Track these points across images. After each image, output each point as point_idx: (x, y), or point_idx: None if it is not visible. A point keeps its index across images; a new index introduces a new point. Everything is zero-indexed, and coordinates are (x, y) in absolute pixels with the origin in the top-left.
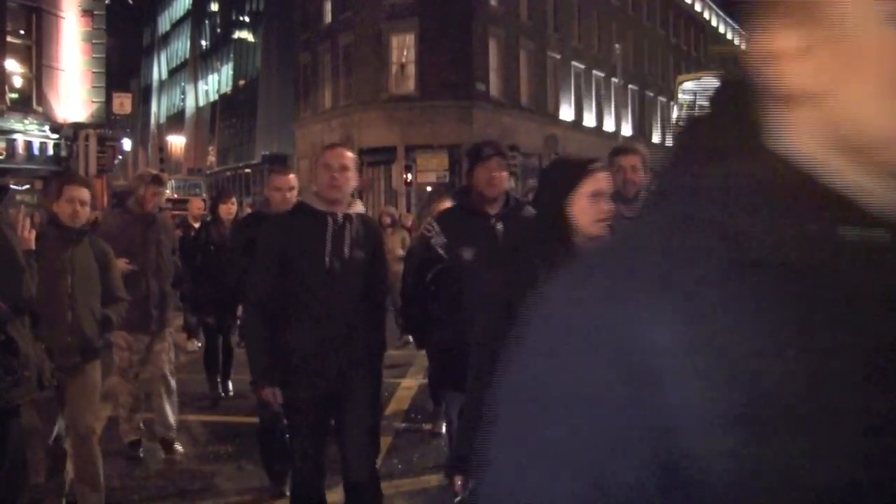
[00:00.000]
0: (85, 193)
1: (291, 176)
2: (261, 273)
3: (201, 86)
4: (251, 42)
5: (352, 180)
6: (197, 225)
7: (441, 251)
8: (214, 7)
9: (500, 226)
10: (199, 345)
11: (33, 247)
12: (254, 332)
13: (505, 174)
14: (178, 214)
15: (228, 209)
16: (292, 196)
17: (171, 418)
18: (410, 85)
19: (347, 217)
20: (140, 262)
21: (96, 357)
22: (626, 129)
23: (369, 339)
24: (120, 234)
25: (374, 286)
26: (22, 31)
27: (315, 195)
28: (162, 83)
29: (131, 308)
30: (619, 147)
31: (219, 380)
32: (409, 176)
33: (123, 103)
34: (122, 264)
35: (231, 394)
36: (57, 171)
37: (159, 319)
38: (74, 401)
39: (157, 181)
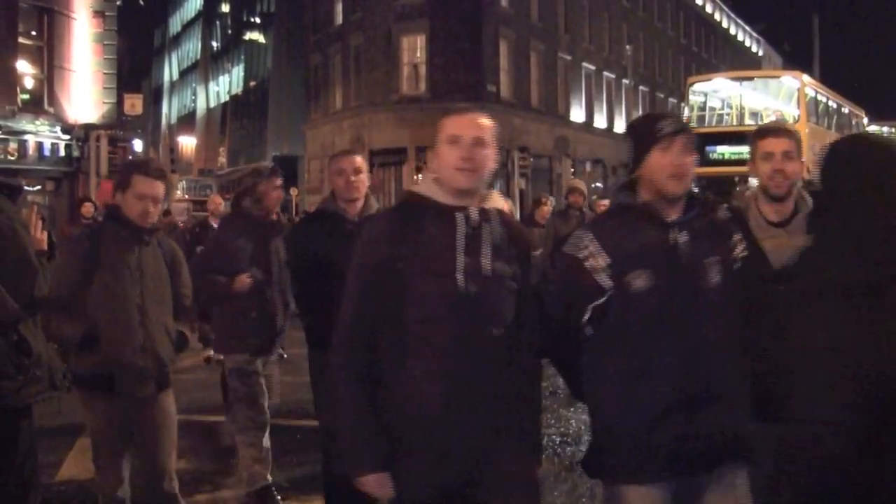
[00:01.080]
0: (159, 189)
1: (358, 158)
2: (358, 308)
3: (212, 87)
4: (262, 43)
5: (490, 161)
6: (216, 223)
7: (603, 278)
8: (225, 8)
9: (682, 237)
10: (213, 354)
11: (45, 247)
12: (345, 400)
13: (692, 158)
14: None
15: None
16: (359, 181)
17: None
18: (421, 86)
19: (484, 215)
20: (263, 274)
21: (170, 384)
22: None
23: (523, 396)
24: (238, 241)
25: (526, 318)
26: (33, 33)
27: (435, 183)
28: (173, 84)
29: (253, 329)
30: (764, 128)
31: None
32: (420, 177)
33: (134, 104)
34: (243, 279)
35: None
36: (67, 172)
37: (281, 342)
38: (149, 439)
39: (276, 174)
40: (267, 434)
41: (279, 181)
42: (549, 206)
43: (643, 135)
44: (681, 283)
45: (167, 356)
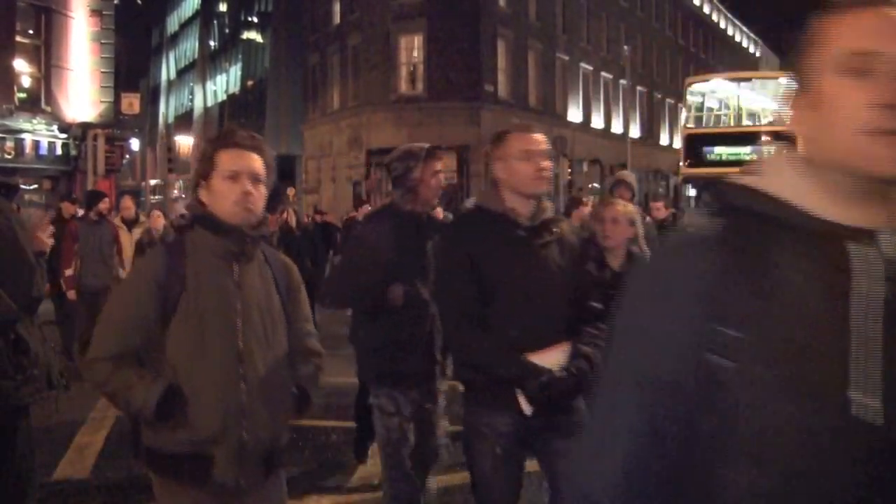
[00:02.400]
0: (256, 162)
1: (539, 135)
2: (637, 437)
3: (210, 86)
4: (260, 42)
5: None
6: None
7: None
8: (223, 7)
9: None
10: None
11: (47, 248)
12: None
13: None
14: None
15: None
16: (545, 168)
17: None
18: (419, 86)
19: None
20: (418, 283)
21: (283, 463)
22: (635, 131)
23: None
24: (387, 244)
25: None
26: (31, 31)
27: (800, 171)
28: (170, 83)
29: (404, 352)
30: None
31: None
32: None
33: (132, 103)
34: (397, 291)
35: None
36: (65, 171)
37: (443, 367)
38: None
39: (434, 156)
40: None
41: (439, 164)
42: (589, 207)
43: None
44: None
45: (280, 424)
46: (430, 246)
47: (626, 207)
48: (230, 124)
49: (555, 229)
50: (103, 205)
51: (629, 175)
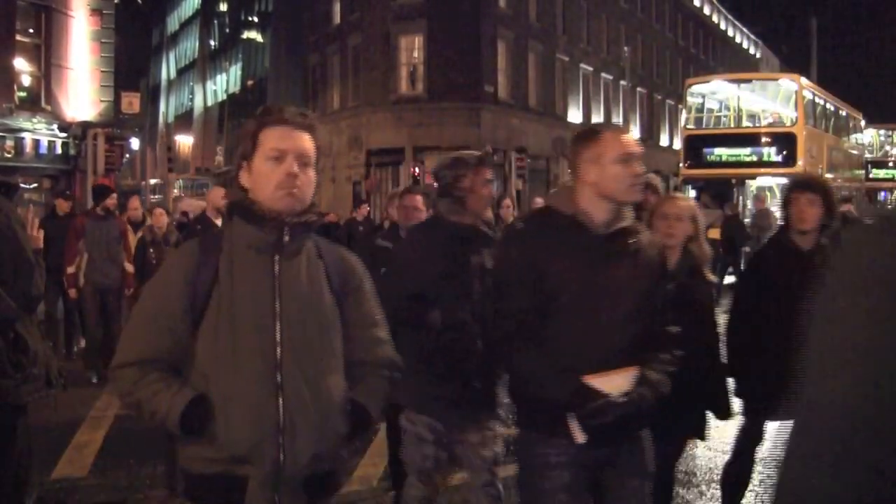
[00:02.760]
0: (305, 142)
1: (632, 137)
2: None
3: (210, 85)
4: (260, 42)
5: None
6: (220, 221)
7: None
8: (223, 7)
9: None
10: None
11: (40, 244)
12: None
13: None
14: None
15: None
16: (641, 173)
17: None
18: (419, 86)
19: None
20: (462, 300)
21: (335, 488)
22: (635, 132)
23: None
24: (430, 258)
25: None
26: (31, 30)
27: None
28: (170, 83)
29: (444, 376)
30: None
31: None
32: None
33: (132, 102)
34: (434, 316)
35: None
36: (65, 170)
37: (487, 396)
38: None
39: (485, 163)
40: None
41: (490, 173)
42: None
43: None
44: None
45: (328, 445)
46: (475, 261)
47: (688, 202)
48: (275, 103)
49: (631, 240)
50: (110, 200)
51: (654, 178)
